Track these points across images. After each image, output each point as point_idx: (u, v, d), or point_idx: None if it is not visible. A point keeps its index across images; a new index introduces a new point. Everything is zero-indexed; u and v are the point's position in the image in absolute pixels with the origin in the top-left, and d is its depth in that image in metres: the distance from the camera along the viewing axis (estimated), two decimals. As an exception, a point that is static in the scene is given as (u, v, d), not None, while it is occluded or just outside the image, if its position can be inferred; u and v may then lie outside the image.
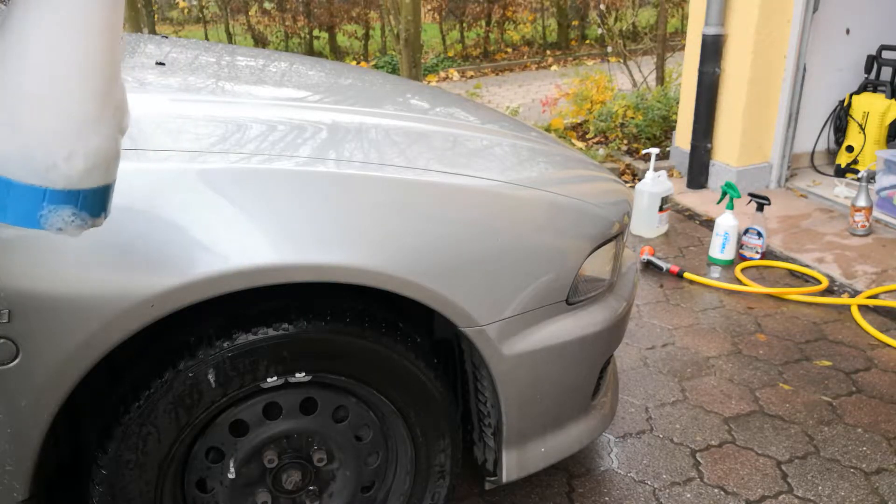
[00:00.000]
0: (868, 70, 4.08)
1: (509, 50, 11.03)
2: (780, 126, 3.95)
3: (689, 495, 1.79)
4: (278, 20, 10.41)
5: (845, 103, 4.11)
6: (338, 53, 10.73)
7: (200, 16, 11.35)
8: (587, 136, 5.13)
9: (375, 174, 1.21)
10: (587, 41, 11.46)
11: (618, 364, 2.27)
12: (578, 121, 5.43)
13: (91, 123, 0.55)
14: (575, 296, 1.42)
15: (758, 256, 3.19)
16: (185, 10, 11.72)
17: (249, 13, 10.69)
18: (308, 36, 10.49)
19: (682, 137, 4.30)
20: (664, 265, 3.10)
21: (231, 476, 1.27)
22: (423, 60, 7.45)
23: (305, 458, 1.33)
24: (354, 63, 9.78)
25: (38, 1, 0.50)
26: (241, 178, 1.11)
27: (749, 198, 3.22)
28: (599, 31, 7.51)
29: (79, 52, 0.52)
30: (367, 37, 10.88)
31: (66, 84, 0.52)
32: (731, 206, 3.17)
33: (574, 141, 5.04)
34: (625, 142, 4.88)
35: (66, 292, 1.03)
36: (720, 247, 3.19)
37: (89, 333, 1.05)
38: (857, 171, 3.78)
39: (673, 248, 3.42)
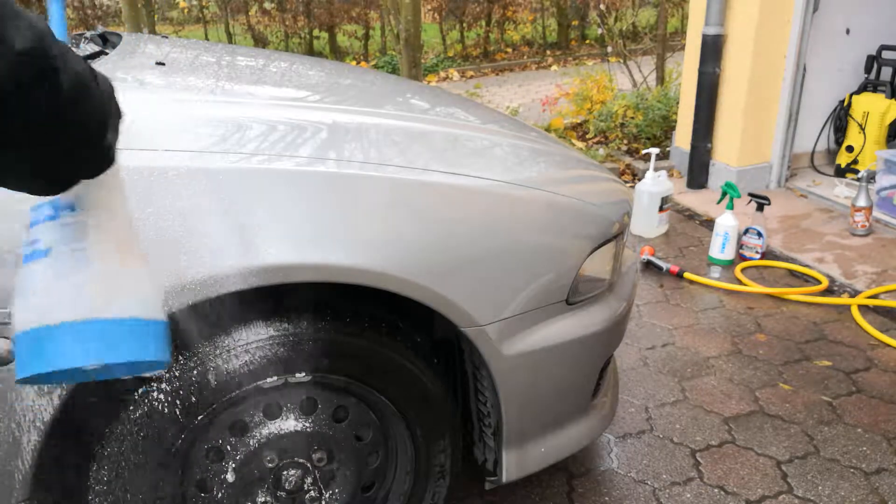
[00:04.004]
0: (868, 70, 4.08)
1: (509, 50, 11.03)
2: (780, 126, 3.95)
3: (689, 495, 1.79)
4: (278, 20, 10.42)
5: (845, 103, 4.11)
6: (338, 53, 10.74)
7: (200, 16, 11.35)
8: (587, 136, 5.13)
9: (375, 174, 1.21)
10: (587, 41, 11.46)
11: (618, 364, 2.27)
12: (578, 121, 5.43)
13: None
14: (575, 296, 1.42)
15: (758, 256, 3.19)
16: (185, 10, 11.72)
17: (249, 13, 10.70)
18: (308, 36, 10.50)
19: (682, 137, 4.30)
20: (664, 265, 3.10)
21: (231, 476, 1.27)
22: (423, 60, 7.44)
23: (305, 458, 1.33)
24: (354, 63, 9.78)
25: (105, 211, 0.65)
26: (241, 177, 1.11)
27: (749, 198, 3.22)
28: (599, 31, 7.52)
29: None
30: (367, 37, 10.88)
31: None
32: (731, 206, 3.17)
33: (574, 141, 5.04)
34: (625, 142, 4.88)
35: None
36: (720, 247, 3.19)
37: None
38: (857, 171, 3.78)
39: (673, 248, 3.42)
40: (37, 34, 0.54)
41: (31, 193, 0.62)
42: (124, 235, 0.66)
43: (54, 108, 0.56)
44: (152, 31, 8.49)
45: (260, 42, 10.49)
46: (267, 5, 10.46)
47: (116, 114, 0.64)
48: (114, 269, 0.63)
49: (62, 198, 0.63)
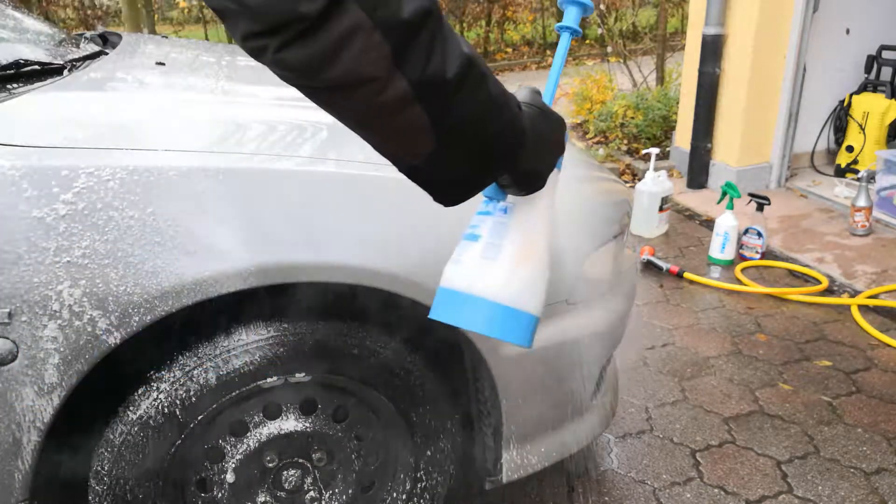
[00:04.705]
0: (868, 70, 4.08)
1: (509, 50, 11.03)
2: (780, 126, 3.95)
3: (689, 495, 1.79)
4: (278, 20, 10.39)
5: (845, 103, 4.11)
6: (338, 53, 10.71)
7: (200, 16, 11.35)
8: (587, 136, 5.14)
9: (375, 174, 1.21)
10: (587, 41, 11.46)
11: (618, 364, 2.27)
12: (578, 121, 5.43)
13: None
14: (575, 296, 1.42)
15: (758, 256, 3.19)
16: (185, 10, 11.72)
17: (249, 13, 10.66)
18: (308, 36, 10.48)
19: (682, 137, 4.30)
20: (664, 265, 3.10)
21: (231, 476, 1.27)
22: (423, 60, 7.43)
23: (305, 458, 1.33)
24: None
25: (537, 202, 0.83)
26: (241, 177, 1.11)
27: (749, 198, 3.22)
28: (599, 31, 7.51)
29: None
30: (367, 37, 10.86)
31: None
32: (731, 206, 3.17)
33: (574, 141, 5.04)
34: (625, 142, 4.88)
35: (67, 292, 1.03)
36: (720, 247, 3.19)
37: (91, 333, 1.05)
38: (857, 171, 3.78)
39: (673, 248, 3.42)
40: (468, 45, 0.65)
41: (448, 202, 0.78)
42: (534, 242, 0.83)
43: (484, 110, 0.66)
44: (152, 31, 8.49)
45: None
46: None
47: (553, 150, 0.80)
48: (514, 267, 0.80)
49: (502, 203, 0.82)
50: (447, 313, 0.80)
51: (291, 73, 0.58)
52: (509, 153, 0.72)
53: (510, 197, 0.82)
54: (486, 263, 0.80)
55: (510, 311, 0.80)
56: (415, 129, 0.64)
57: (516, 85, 0.80)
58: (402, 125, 0.64)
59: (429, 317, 0.81)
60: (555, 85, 0.88)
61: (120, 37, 1.88)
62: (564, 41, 0.88)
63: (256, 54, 0.58)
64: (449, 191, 0.76)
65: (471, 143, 0.68)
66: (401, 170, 0.74)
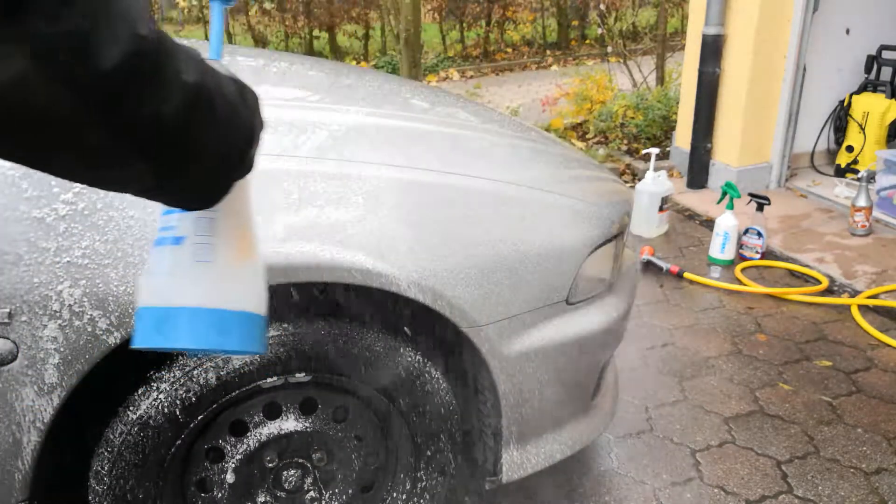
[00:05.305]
0: (868, 70, 4.08)
1: (509, 50, 11.03)
2: (780, 126, 3.95)
3: (689, 495, 1.79)
4: (278, 20, 10.41)
5: (845, 103, 4.11)
6: (338, 53, 10.74)
7: (200, 16, 11.35)
8: (587, 136, 5.14)
9: (374, 174, 1.21)
10: (587, 41, 11.46)
11: (618, 364, 2.27)
12: (578, 121, 5.43)
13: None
14: (575, 296, 1.42)
15: (758, 256, 3.19)
16: (185, 10, 11.72)
17: (249, 13, 10.69)
18: (308, 36, 10.50)
19: (682, 137, 4.30)
20: (664, 265, 3.10)
21: (231, 476, 1.27)
22: (423, 60, 7.44)
23: (305, 458, 1.33)
24: (354, 63, 9.78)
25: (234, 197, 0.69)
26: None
27: (749, 198, 3.22)
28: (599, 31, 7.52)
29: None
30: (367, 37, 10.88)
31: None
32: (731, 206, 3.17)
33: (574, 141, 5.04)
34: (625, 142, 4.88)
35: (67, 292, 1.03)
36: (720, 247, 3.19)
37: (91, 333, 1.05)
38: (857, 171, 3.78)
39: (673, 248, 3.42)
40: (196, 66, 0.56)
41: (180, 207, 0.67)
42: (246, 234, 0.72)
43: (208, 137, 0.58)
44: (152, 31, 8.47)
45: (260, 42, 10.48)
46: (267, 5, 10.46)
47: (260, 127, 0.68)
48: (234, 265, 0.70)
49: None
50: (165, 337, 0.67)
51: None
52: (244, 161, 0.65)
53: None
54: (203, 267, 0.68)
55: (244, 317, 0.70)
56: (131, 174, 0.55)
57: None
58: (118, 174, 0.55)
59: (133, 346, 0.69)
60: (218, 53, 0.78)
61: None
62: (216, 11, 0.80)
63: None
64: (192, 204, 0.66)
65: (204, 170, 0.60)
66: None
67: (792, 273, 3.10)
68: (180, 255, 0.68)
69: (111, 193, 1.03)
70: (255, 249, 0.73)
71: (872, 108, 3.98)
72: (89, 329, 1.05)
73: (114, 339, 1.07)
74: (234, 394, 1.20)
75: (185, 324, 0.67)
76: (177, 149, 0.55)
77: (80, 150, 0.50)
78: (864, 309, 2.74)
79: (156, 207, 0.66)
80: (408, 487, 1.43)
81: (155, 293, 0.68)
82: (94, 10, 0.45)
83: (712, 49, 3.87)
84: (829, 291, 2.91)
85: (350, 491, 1.39)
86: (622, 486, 1.82)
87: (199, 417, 1.19)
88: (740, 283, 3.00)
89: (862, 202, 3.35)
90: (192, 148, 0.57)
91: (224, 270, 0.69)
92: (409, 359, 1.31)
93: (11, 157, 0.50)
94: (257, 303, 0.72)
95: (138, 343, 0.68)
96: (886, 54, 4.01)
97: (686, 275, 3.04)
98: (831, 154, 4.29)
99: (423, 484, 1.43)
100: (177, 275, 0.68)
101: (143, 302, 0.69)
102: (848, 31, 4.00)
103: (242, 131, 0.63)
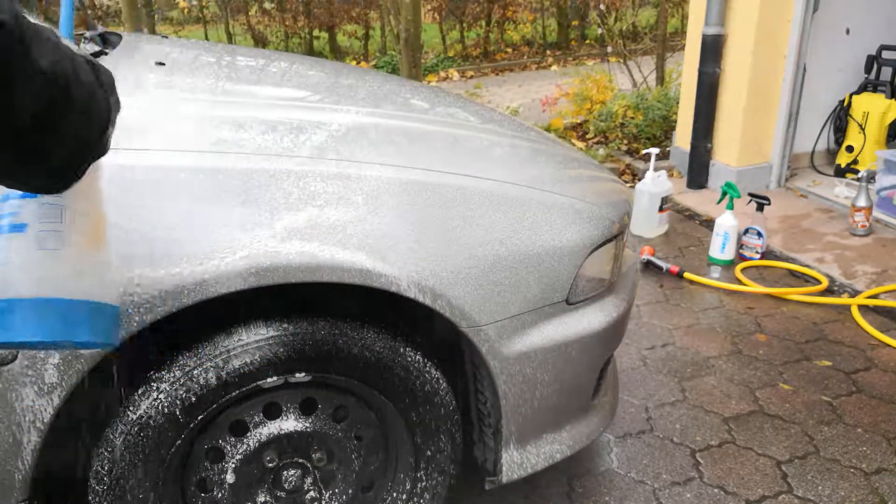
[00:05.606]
0: (868, 70, 4.08)
1: (509, 50, 11.03)
2: (780, 126, 3.94)
3: (689, 495, 1.79)
4: (278, 20, 10.41)
5: (845, 103, 4.11)
6: (338, 53, 10.74)
7: (200, 16, 11.35)
8: (587, 136, 5.13)
9: (374, 174, 1.21)
10: (587, 41, 11.45)
11: (618, 364, 2.27)
12: (578, 121, 5.43)
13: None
14: (575, 296, 1.42)
15: (758, 256, 3.19)
16: (185, 10, 11.72)
17: (249, 13, 10.69)
18: (308, 36, 10.49)
19: (682, 137, 4.30)
20: (664, 265, 3.10)
21: (231, 476, 1.27)
22: (423, 60, 7.44)
23: (305, 458, 1.33)
24: (354, 63, 9.78)
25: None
26: (240, 176, 1.11)
27: (749, 198, 3.22)
28: (599, 31, 7.52)
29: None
30: (367, 37, 10.88)
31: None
32: (731, 206, 3.17)
33: (574, 141, 5.04)
34: (625, 142, 4.88)
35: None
36: (720, 247, 3.19)
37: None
38: (857, 171, 3.78)
39: (673, 248, 3.42)
40: (54, 49, 0.55)
41: (37, 192, 0.63)
42: (96, 222, 0.68)
43: (67, 121, 0.57)
44: (152, 31, 8.49)
45: (260, 42, 10.48)
46: (267, 5, 10.46)
47: (116, 107, 0.66)
48: (83, 253, 0.66)
49: None
50: (6, 330, 0.63)
51: None
52: (100, 140, 0.63)
53: None
54: (50, 256, 0.64)
55: (95, 308, 0.66)
56: None
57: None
58: None
59: None
60: (70, 26, 0.76)
61: (120, 37, 1.88)
62: None
63: None
64: (43, 189, 0.63)
65: (64, 155, 0.59)
66: None
67: (792, 273, 3.10)
68: (25, 242, 0.64)
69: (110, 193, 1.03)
70: (105, 238, 0.69)
71: (872, 108, 3.98)
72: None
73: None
74: (234, 394, 1.20)
75: (31, 316, 0.63)
76: (36, 136, 0.54)
77: None
78: (864, 309, 2.74)
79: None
80: (408, 487, 1.43)
81: None
82: None
83: (712, 49, 3.87)
84: (829, 291, 2.91)
85: (350, 491, 1.39)
86: (622, 486, 1.82)
87: (199, 417, 1.19)
88: (740, 283, 3.00)
89: (862, 202, 3.35)
90: (52, 134, 0.56)
91: (73, 259, 0.65)
92: (409, 359, 1.31)
93: None
94: (109, 293, 0.69)
95: None
96: (886, 54, 4.01)
97: (686, 275, 3.04)
98: (831, 154, 4.29)
99: (423, 484, 1.43)
100: (22, 264, 0.63)
101: None
102: (848, 31, 4.00)
103: (100, 113, 0.62)
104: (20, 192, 0.66)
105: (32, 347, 0.66)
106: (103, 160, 0.68)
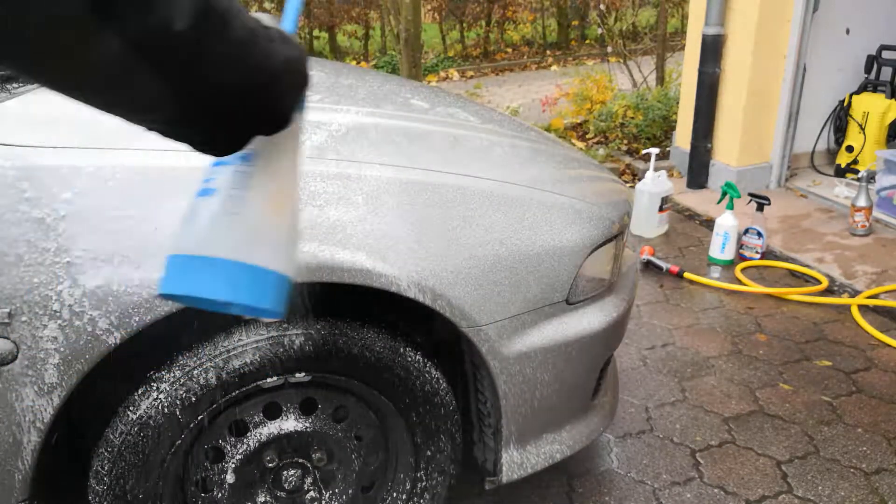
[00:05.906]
0: (868, 70, 4.08)
1: (509, 50, 11.03)
2: (780, 126, 3.95)
3: (689, 495, 1.79)
4: (278, 20, 10.40)
5: (845, 103, 4.11)
6: (338, 53, 10.73)
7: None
8: (587, 136, 5.13)
9: (375, 174, 1.21)
10: (587, 41, 11.46)
11: (618, 364, 2.27)
12: (578, 121, 5.43)
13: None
14: (575, 296, 1.42)
15: (758, 256, 3.19)
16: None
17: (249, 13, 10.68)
18: (308, 36, 10.49)
19: (682, 137, 4.30)
20: (664, 265, 3.10)
21: (231, 476, 1.27)
22: (423, 60, 7.44)
23: (305, 458, 1.33)
24: (354, 63, 9.78)
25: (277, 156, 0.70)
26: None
27: (749, 198, 3.22)
28: (599, 31, 7.52)
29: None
30: (367, 37, 10.88)
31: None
32: (731, 206, 3.17)
33: (574, 141, 5.04)
34: (625, 142, 4.88)
35: (68, 292, 1.03)
36: (720, 247, 3.19)
37: (91, 333, 1.05)
38: (857, 171, 3.78)
39: (673, 248, 3.42)
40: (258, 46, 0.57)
41: (215, 154, 0.66)
42: (284, 192, 0.71)
43: (228, 56, 0.56)
44: (152, 31, 8.47)
45: (260, 42, 10.46)
46: (267, 5, 10.46)
47: (300, 83, 0.67)
48: (263, 221, 0.68)
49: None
50: (180, 284, 0.67)
51: None
52: (267, 100, 0.63)
53: (252, 143, 0.68)
54: (228, 219, 0.67)
55: (260, 272, 0.68)
56: (149, 97, 0.54)
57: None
58: (132, 93, 0.53)
59: (159, 293, 0.68)
60: (296, 13, 0.77)
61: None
62: None
63: None
64: (208, 148, 0.65)
65: (222, 104, 0.58)
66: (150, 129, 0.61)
67: (792, 273, 3.10)
68: (213, 206, 0.68)
69: (109, 192, 1.03)
70: (290, 211, 0.71)
71: (872, 108, 3.98)
72: (89, 329, 1.05)
73: (114, 339, 1.07)
74: (234, 394, 1.20)
75: (207, 274, 0.66)
76: (194, 70, 0.54)
77: (87, 63, 0.49)
78: (864, 309, 2.74)
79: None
80: (408, 487, 1.43)
81: (184, 241, 0.68)
82: None
83: (712, 49, 3.87)
84: (829, 291, 2.91)
85: (350, 491, 1.39)
86: (622, 486, 1.82)
87: (199, 417, 1.19)
88: (740, 283, 3.00)
89: (862, 202, 3.35)
90: (206, 63, 0.54)
91: (251, 225, 0.68)
92: (409, 359, 1.31)
93: (14, 64, 0.49)
94: (283, 263, 0.70)
95: (163, 289, 0.67)
96: (886, 54, 4.01)
97: (686, 275, 3.04)
98: (831, 154, 4.29)
99: (423, 484, 1.43)
100: (209, 225, 0.67)
101: (175, 249, 0.68)
102: (848, 31, 4.00)
103: (263, 62, 0.60)
104: (219, 160, 0.70)
105: (205, 307, 0.69)
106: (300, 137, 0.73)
